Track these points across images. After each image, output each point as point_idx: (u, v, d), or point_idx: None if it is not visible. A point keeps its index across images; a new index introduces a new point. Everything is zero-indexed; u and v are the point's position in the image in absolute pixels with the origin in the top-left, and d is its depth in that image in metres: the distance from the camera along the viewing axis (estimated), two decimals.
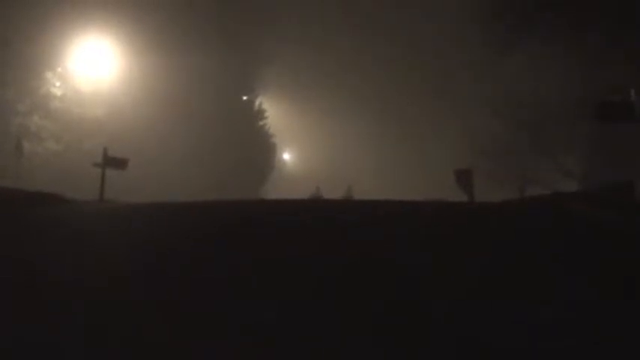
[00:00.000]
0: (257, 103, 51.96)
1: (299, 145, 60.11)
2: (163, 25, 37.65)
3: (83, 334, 4.46)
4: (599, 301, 5.02)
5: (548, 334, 4.28)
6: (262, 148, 50.62)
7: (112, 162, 20.40)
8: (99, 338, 4.39)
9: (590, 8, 25.85)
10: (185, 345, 4.26)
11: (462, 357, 4.01)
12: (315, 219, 9.76)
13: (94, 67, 36.76)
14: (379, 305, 4.97)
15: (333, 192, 33.68)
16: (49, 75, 34.66)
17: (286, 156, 60.80)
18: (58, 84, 35.03)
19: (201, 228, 9.02)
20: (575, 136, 33.74)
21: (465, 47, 39.52)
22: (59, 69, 35.18)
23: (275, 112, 53.77)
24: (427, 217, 10.30)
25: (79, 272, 6.16)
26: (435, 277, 5.69)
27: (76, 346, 4.25)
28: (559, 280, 5.60)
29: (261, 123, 51.96)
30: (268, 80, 51.72)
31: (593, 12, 25.73)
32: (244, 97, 50.28)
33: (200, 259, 6.77)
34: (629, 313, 4.73)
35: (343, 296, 5.22)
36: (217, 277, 5.95)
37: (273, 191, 44.71)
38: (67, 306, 5.06)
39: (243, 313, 4.86)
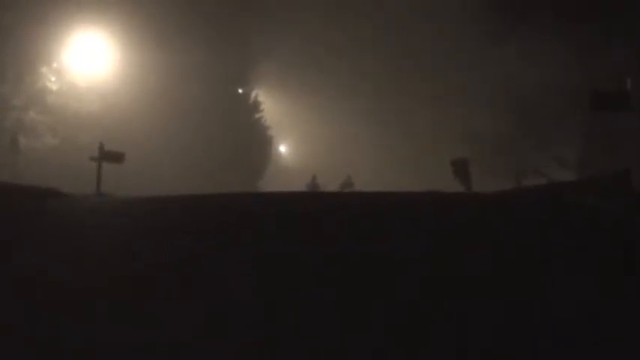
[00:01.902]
0: (253, 95, 51.80)
1: (295, 138, 59.87)
2: (159, 18, 37.55)
3: (83, 333, 4.46)
4: (599, 300, 5.02)
5: (548, 334, 4.28)
6: (258, 141, 50.52)
7: (109, 156, 20.42)
8: (98, 337, 4.38)
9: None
10: (185, 345, 4.25)
11: (462, 357, 4.01)
12: (313, 212, 9.73)
13: (89, 61, 36.68)
14: (379, 305, 4.96)
15: (330, 184, 33.72)
16: (44, 70, 34.59)
17: (283, 149, 60.58)
18: (53, 79, 34.97)
19: (199, 222, 8.99)
20: (571, 126, 33.69)
21: (461, 38, 39.50)
22: (55, 64, 35.11)
23: (271, 105, 53.54)
24: (426, 209, 10.27)
25: (77, 269, 6.16)
26: (435, 276, 5.68)
27: (75, 345, 4.25)
28: (558, 279, 5.60)
29: (257, 116, 51.80)
30: (264, 73, 51.54)
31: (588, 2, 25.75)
32: (240, 90, 50.15)
33: (199, 255, 6.76)
34: (629, 312, 4.73)
35: (343, 295, 5.21)
36: (217, 274, 5.94)
37: (270, 184, 44.58)
38: (67, 304, 5.05)
39: (243, 312, 4.85)
